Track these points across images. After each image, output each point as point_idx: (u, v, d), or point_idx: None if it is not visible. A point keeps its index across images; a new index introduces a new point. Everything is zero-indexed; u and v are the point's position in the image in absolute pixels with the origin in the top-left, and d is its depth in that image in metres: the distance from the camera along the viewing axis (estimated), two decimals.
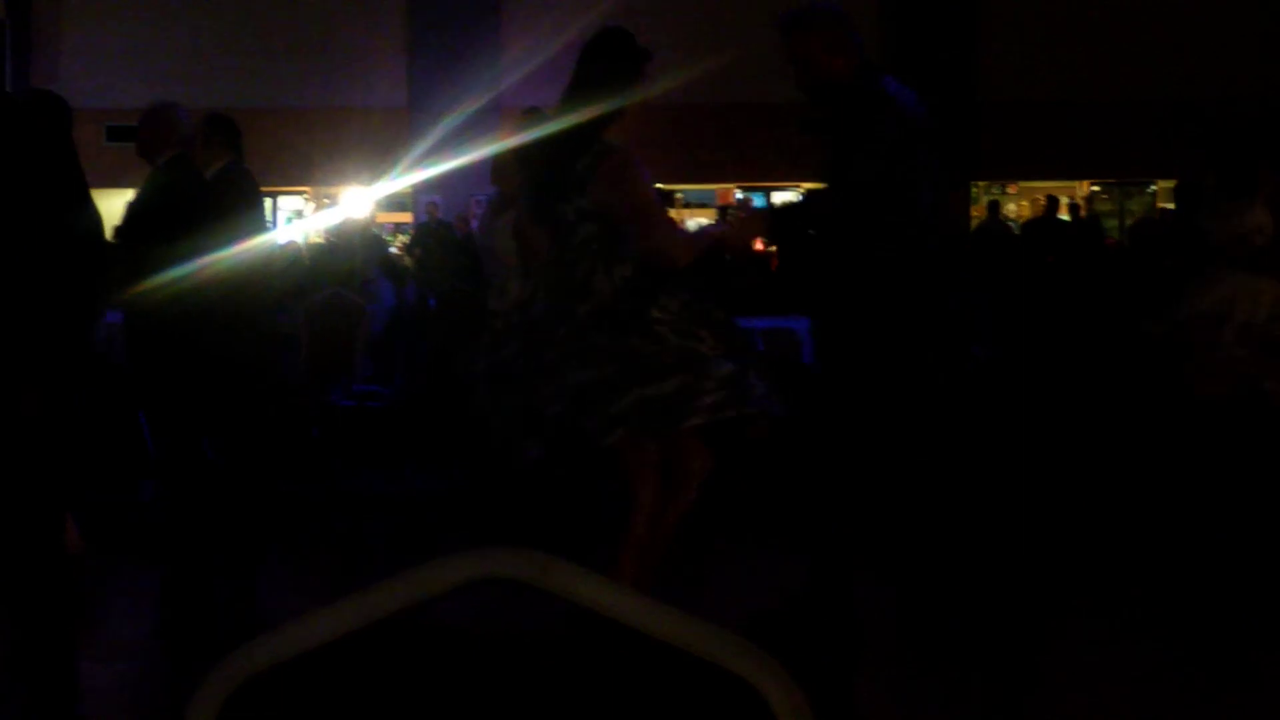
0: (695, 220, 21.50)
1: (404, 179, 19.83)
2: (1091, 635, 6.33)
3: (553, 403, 5.64)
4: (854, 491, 5.99)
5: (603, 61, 5.88)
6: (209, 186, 8.17)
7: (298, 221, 23.39)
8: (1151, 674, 5.83)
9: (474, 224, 15.61)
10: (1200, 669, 5.87)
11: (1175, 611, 6.62)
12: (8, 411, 6.61)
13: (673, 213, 19.26)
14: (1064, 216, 21.17)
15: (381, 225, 22.33)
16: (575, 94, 5.83)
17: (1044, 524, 8.03)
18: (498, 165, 7.62)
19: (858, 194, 5.75)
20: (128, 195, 8.24)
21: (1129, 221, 22.05)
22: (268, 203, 22.67)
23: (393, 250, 19.47)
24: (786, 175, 22.97)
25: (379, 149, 20.82)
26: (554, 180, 5.77)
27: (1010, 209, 23.86)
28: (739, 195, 23.50)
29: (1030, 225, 20.74)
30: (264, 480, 8.70)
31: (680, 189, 22.86)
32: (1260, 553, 7.21)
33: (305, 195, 24.17)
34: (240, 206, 8.35)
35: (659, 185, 15.49)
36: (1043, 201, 21.82)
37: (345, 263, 13.23)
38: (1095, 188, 24.22)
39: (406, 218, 22.79)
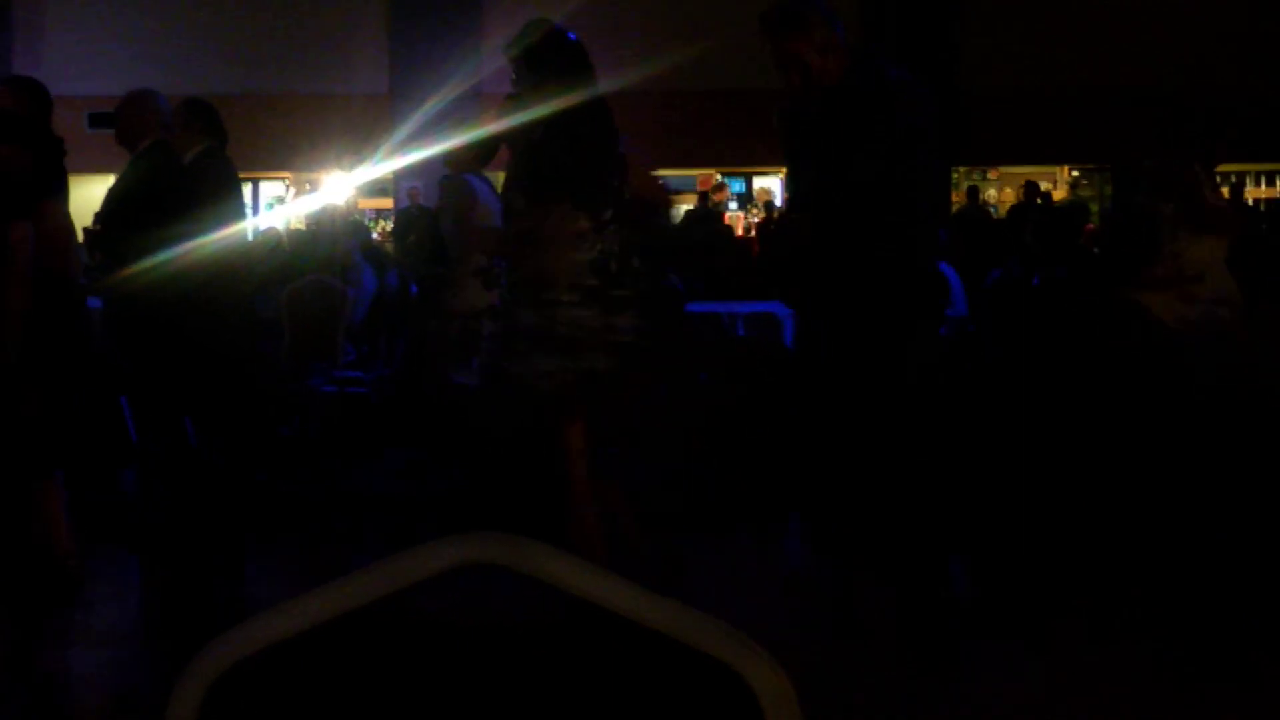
0: (677, 205, 21.48)
1: (385, 165, 19.80)
2: (1091, 635, 6.31)
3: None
4: (847, 487, 6.02)
5: (563, 55, 6.10)
6: (187, 171, 8.16)
7: (279, 207, 23.37)
8: (1151, 674, 5.82)
9: None
10: (1200, 669, 5.84)
11: (1175, 611, 6.59)
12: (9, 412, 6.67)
13: None
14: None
15: (363, 211, 22.31)
16: (554, 86, 6.00)
17: (1044, 524, 8.02)
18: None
19: (858, 194, 5.74)
20: (109, 181, 8.22)
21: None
22: (249, 189, 22.67)
23: (374, 236, 19.46)
24: (766, 160, 22.98)
25: (360, 135, 20.79)
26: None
27: (990, 194, 23.90)
28: (719, 179, 23.52)
29: (1015, 210, 20.77)
30: (248, 467, 8.71)
31: (661, 174, 22.88)
32: (1260, 553, 7.21)
33: (286, 181, 24.14)
34: (217, 191, 8.33)
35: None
36: (1024, 186, 21.88)
37: (326, 249, 13.22)
38: (1075, 173, 24.27)
39: (387, 203, 22.78)
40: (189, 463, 8.08)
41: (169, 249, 7.77)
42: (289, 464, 9.77)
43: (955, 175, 23.20)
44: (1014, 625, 6.52)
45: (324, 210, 17.36)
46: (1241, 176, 22.55)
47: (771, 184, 23.83)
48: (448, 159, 8.01)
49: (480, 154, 8.04)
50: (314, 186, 22.92)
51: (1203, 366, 7.76)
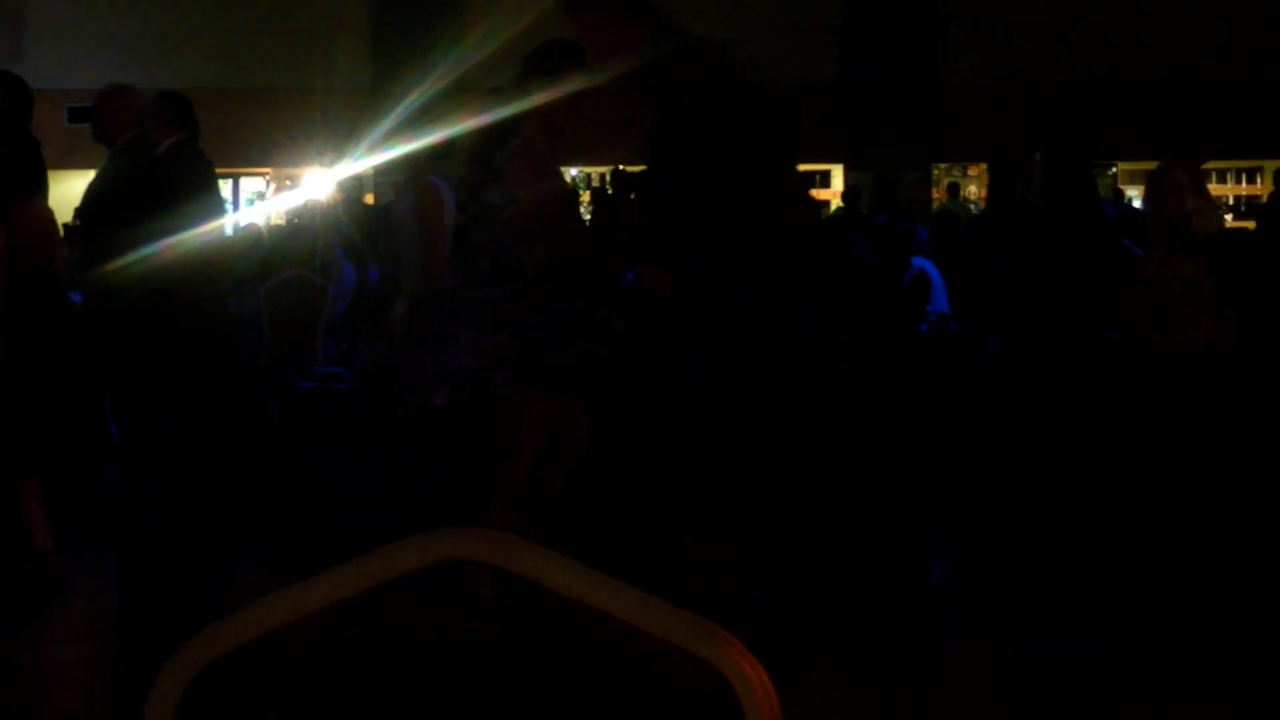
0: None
1: (366, 160, 19.75)
2: (1091, 635, 6.27)
3: (464, 356, 5.95)
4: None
5: (535, 66, 6.12)
6: (161, 164, 8.18)
7: (259, 203, 23.31)
8: (1152, 674, 5.78)
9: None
10: (1200, 669, 5.80)
11: (1175, 611, 6.55)
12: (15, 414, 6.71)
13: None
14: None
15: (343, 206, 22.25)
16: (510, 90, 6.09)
17: (1043, 521, 8.01)
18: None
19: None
20: (90, 176, 8.23)
21: None
22: (229, 185, 22.61)
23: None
24: None
25: (341, 130, 20.73)
26: (476, 171, 6.19)
27: (971, 190, 23.90)
28: None
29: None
30: (246, 465, 8.74)
31: (637, 170, 22.81)
32: (1260, 553, 7.20)
33: (267, 177, 24.08)
34: (193, 183, 8.35)
35: (624, 167, 15.45)
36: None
37: (307, 244, 13.19)
38: None
39: (368, 200, 22.72)
40: (183, 460, 8.14)
41: (148, 243, 7.79)
42: (274, 460, 9.77)
43: (936, 172, 23.21)
44: (1011, 624, 6.50)
45: (304, 206, 17.33)
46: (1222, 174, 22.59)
47: None
48: (407, 160, 8.02)
49: (440, 153, 8.02)
50: (294, 182, 22.86)
51: (1198, 381, 7.75)
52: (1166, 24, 21.58)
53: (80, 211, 8.29)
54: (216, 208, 8.75)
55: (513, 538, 1.52)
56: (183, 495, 8.08)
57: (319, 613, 1.53)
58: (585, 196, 21.21)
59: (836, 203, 20.12)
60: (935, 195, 22.55)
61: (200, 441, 8.56)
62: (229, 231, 11.63)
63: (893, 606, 5.90)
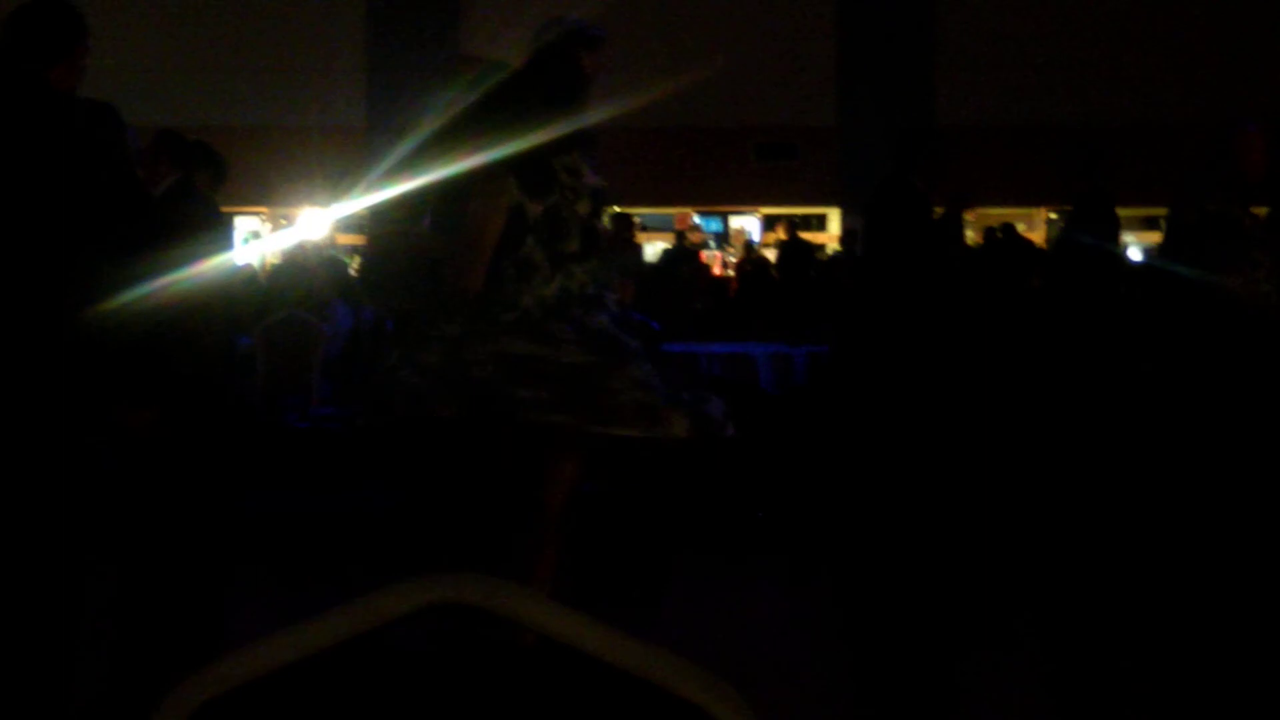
0: (653, 244, 21.52)
1: (362, 199, 19.77)
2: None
3: (482, 366, 5.60)
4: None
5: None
6: (156, 205, 8.19)
7: (255, 243, 23.35)
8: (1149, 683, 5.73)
9: None
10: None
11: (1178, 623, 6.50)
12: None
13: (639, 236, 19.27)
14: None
15: (339, 246, 22.30)
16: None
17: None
18: None
19: None
20: None
21: None
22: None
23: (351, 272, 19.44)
24: (743, 200, 23.03)
25: (336, 168, 20.78)
26: None
27: (968, 236, 23.93)
28: (695, 220, 23.54)
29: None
30: (223, 494, 8.72)
31: (638, 212, 22.91)
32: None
33: (262, 216, 24.12)
34: (189, 223, 8.34)
35: (619, 209, 15.47)
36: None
37: (302, 284, 13.21)
38: (1053, 215, 24.33)
39: (364, 239, 22.73)
40: (176, 506, 8.13)
41: (140, 282, 7.80)
42: (268, 496, 9.79)
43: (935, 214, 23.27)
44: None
45: (300, 246, 17.37)
46: None
47: (748, 223, 23.86)
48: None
49: None
50: (290, 221, 22.92)
51: None
52: (1165, 65, 21.68)
53: None
54: (220, 246, 8.71)
55: (504, 582, 1.51)
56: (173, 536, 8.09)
57: (309, 655, 1.52)
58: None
59: (834, 246, 20.14)
60: None
61: (193, 485, 8.56)
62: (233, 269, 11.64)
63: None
